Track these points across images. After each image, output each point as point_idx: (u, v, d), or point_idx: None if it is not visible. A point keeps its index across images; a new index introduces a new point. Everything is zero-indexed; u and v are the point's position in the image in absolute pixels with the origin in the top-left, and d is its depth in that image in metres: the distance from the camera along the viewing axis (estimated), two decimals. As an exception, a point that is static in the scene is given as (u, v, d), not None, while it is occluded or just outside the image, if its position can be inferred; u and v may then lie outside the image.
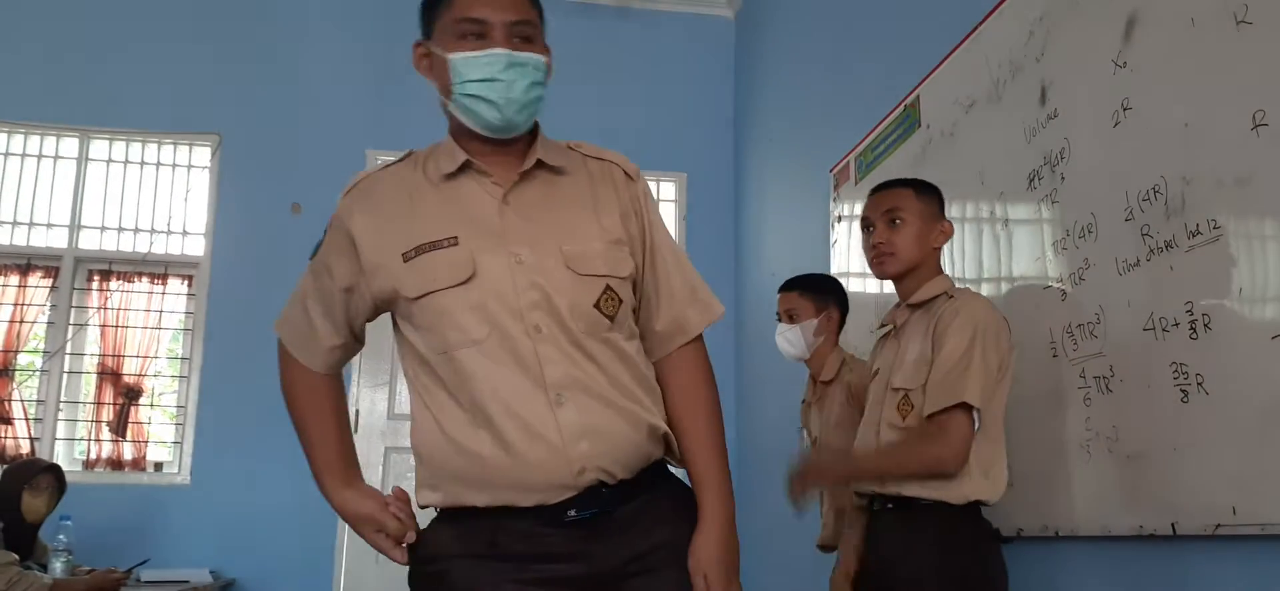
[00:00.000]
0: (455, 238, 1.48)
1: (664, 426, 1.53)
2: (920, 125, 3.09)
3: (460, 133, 1.56)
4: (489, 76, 1.50)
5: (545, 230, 1.50)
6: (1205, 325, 1.85)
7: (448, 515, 1.50)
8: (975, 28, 2.76)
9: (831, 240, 3.82)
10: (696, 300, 1.64)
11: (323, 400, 1.65)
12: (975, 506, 2.03)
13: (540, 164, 1.56)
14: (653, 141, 5.29)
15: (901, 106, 3.22)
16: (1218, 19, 1.83)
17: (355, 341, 1.64)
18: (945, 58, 2.94)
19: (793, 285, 2.91)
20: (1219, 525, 1.80)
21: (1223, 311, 1.82)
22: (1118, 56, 2.12)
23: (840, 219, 3.77)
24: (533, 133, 1.59)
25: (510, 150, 1.55)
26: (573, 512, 1.44)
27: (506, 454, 1.42)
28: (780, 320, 2.90)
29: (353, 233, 1.53)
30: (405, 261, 1.49)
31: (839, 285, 2.94)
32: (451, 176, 1.54)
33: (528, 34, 1.55)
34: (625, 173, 1.66)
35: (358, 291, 1.55)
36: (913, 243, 2.17)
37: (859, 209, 3.56)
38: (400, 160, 1.64)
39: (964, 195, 2.79)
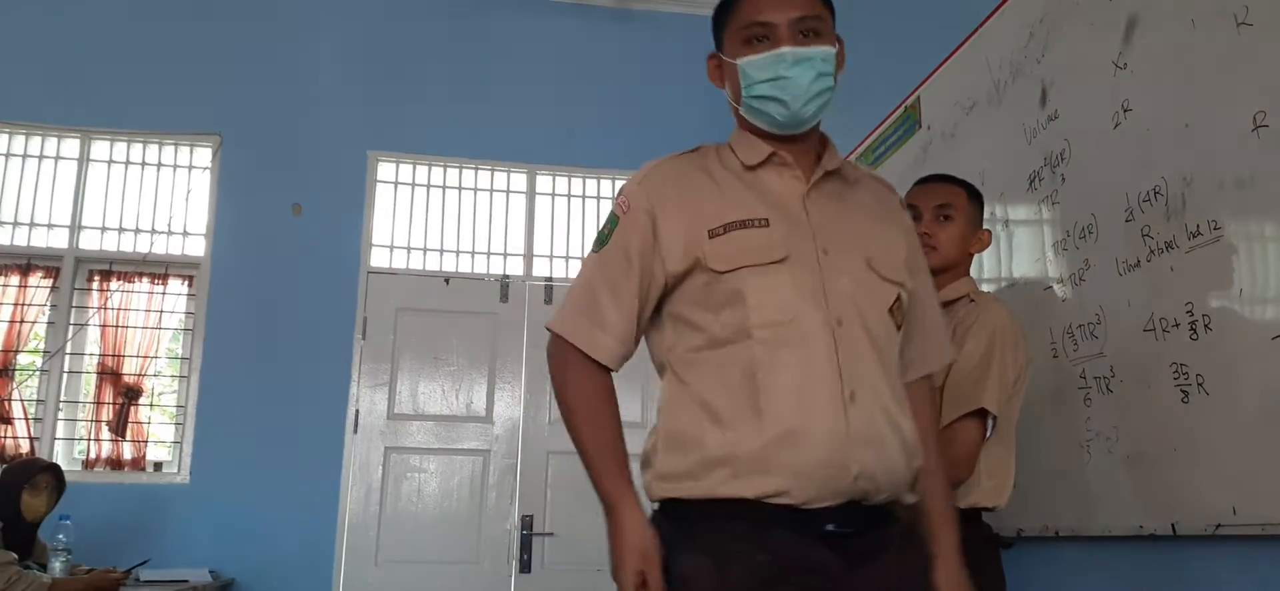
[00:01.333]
0: (767, 219, 1.49)
1: (919, 460, 1.51)
2: (921, 126, 3.09)
3: (753, 133, 1.59)
4: (775, 75, 1.51)
5: (848, 229, 1.53)
6: (1206, 326, 1.85)
7: (699, 515, 1.44)
8: (975, 29, 2.77)
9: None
10: (944, 339, 1.70)
11: (610, 399, 1.56)
12: (977, 512, 2.03)
13: (833, 170, 1.58)
14: (653, 141, 5.25)
15: (902, 107, 3.22)
16: (1218, 20, 1.83)
17: (638, 334, 1.58)
18: (946, 59, 2.94)
19: None
20: (1219, 525, 1.81)
21: (1223, 312, 1.83)
22: (1118, 58, 2.13)
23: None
24: (823, 140, 1.60)
25: (805, 147, 1.57)
26: (831, 526, 1.39)
27: (792, 440, 1.39)
28: None
29: (655, 214, 1.53)
30: (711, 238, 1.48)
31: None
32: (753, 168, 1.56)
33: (814, 28, 1.54)
34: (898, 199, 1.71)
35: (654, 276, 1.53)
36: (957, 242, 2.17)
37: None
38: (689, 152, 1.65)
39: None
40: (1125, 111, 2.10)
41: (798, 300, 1.44)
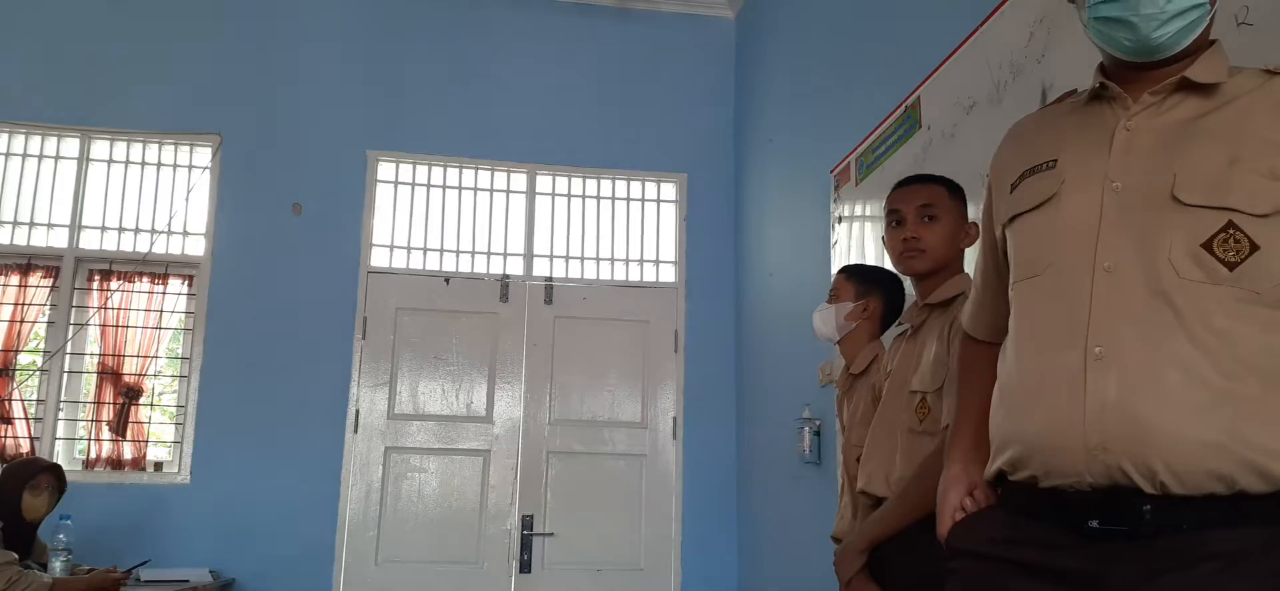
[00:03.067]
0: (1055, 160, 1.35)
1: None
2: (921, 126, 3.09)
3: (1106, 59, 1.38)
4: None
5: (1164, 156, 1.25)
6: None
7: (1001, 489, 1.36)
8: (975, 29, 2.77)
9: (832, 241, 3.82)
10: None
11: (969, 374, 1.58)
12: None
13: (1186, 84, 1.29)
14: (653, 141, 5.31)
15: (902, 107, 3.22)
16: (1217, 20, 1.83)
17: (1005, 303, 1.44)
18: (945, 59, 2.94)
19: (845, 268, 2.87)
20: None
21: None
22: (1119, 58, 2.12)
23: (841, 220, 3.77)
24: (1197, 55, 1.30)
25: (1162, 72, 1.30)
26: (1095, 523, 1.18)
27: (1024, 409, 1.27)
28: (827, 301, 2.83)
29: (992, 179, 1.52)
30: (1011, 190, 1.42)
31: (893, 279, 2.76)
32: (1090, 102, 1.38)
33: None
34: None
35: (996, 240, 1.49)
36: (946, 241, 2.16)
37: (859, 209, 3.58)
38: (1062, 96, 1.51)
39: (971, 196, 2.79)
40: (1126, 112, 2.09)
41: (1059, 245, 1.29)
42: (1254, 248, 1.16)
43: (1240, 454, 1.12)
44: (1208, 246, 1.17)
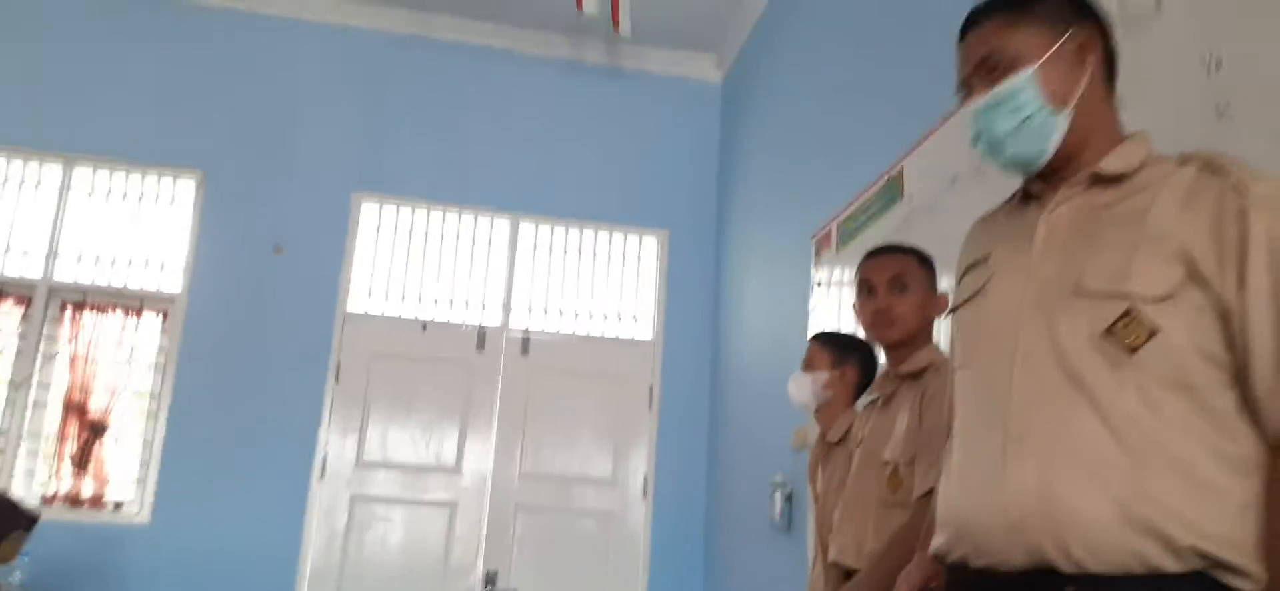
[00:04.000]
0: (989, 255, 1.42)
1: (1204, 544, 1.14)
2: (903, 197, 3.11)
3: None
4: (975, 133, 1.38)
5: (1075, 247, 1.30)
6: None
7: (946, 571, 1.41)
8: (960, 106, 2.79)
9: (810, 306, 3.83)
10: None
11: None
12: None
13: (1097, 177, 1.33)
14: (637, 197, 5.33)
15: (884, 178, 3.24)
16: (1199, 111, 1.86)
17: None
18: (930, 133, 2.97)
19: (819, 336, 2.86)
20: None
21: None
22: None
23: (820, 285, 3.78)
24: (1106, 147, 1.35)
25: (1078, 166, 1.36)
26: None
27: (955, 494, 1.33)
28: (802, 368, 2.82)
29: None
30: (958, 283, 1.51)
31: (867, 349, 2.78)
32: (1023, 201, 1.45)
33: (990, 66, 1.36)
34: (1232, 180, 1.24)
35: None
36: (916, 311, 2.17)
37: (838, 275, 3.59)
38: (1013, 194, 1.55)
39: (946, 268, 2.80)
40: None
41: (985, 337, 1.36)
42: (1152, 332, 1.19)
43: (1148, 530, 1.14)
44: (1110, 332, 1.21)
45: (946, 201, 2.85)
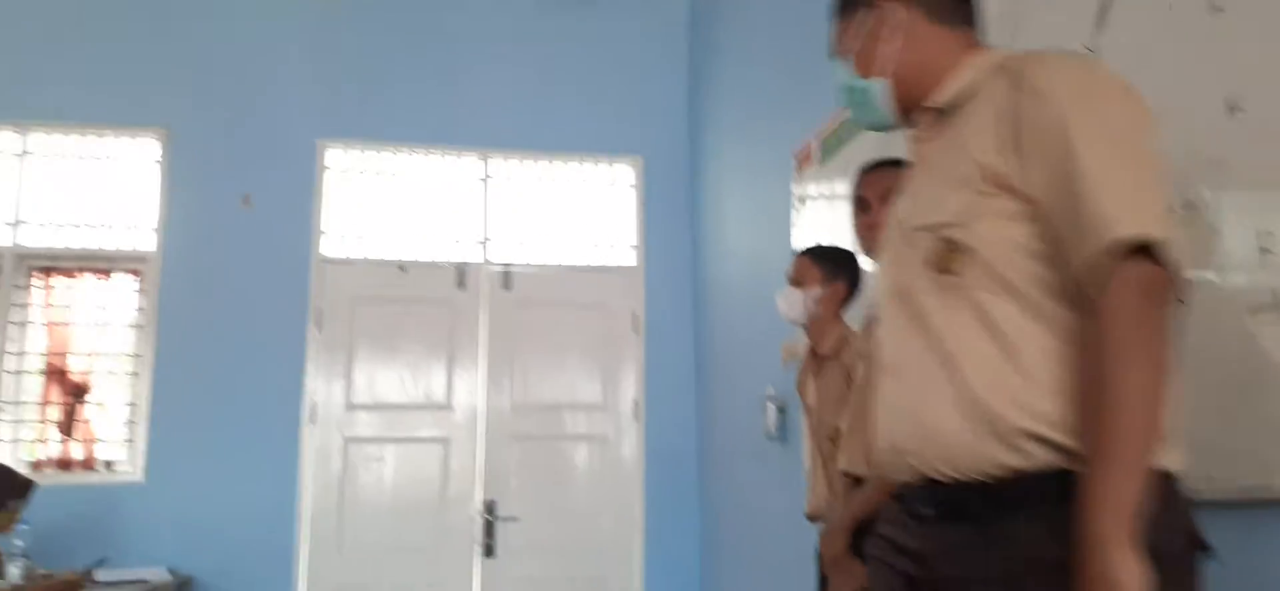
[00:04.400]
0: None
1: (1035, 425, 1.21)
2: (886, 108, 3.13)
3: None
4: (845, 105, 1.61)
5: (919, 184, 1.45)
6: (1180, 300, 1.92)
7: None
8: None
9: (792, 222, 3.86)
10: (1093, 217, 1.18)
11: None
12: None
13: (935, 112, 1.44)
14: (608, 124, 5.31)
15: (866, 90, 3.26)
16: (1190, 6, 1.89)
17: None
18: (911, 42, 2.98)
19: (807, 251, 2.88)
20: (1196, 492, 1.88)
21: (1199, 286, 1.89)
22: (1090, 43, 2.18)
23: (802, 200, 3.81)
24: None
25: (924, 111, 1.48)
26: (920, 509, 1.35)
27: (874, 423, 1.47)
28: (788, 282, 2.84)
29: None
30: None
31: (854, 262, 2.80)
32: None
33: (839, 48, 1.59)
34: (1019, 78, 1.30)
35: None
36: None
37: (821, 190, 3.62)
38: None
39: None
40: (1097, 94, 2.15)
41: (879, 289, 1.52)
42: (968, 251, 1.29)
43: (990, 430, 1.23)
44: (933, 261, 1.32)
45: (932, 110, 2.88)
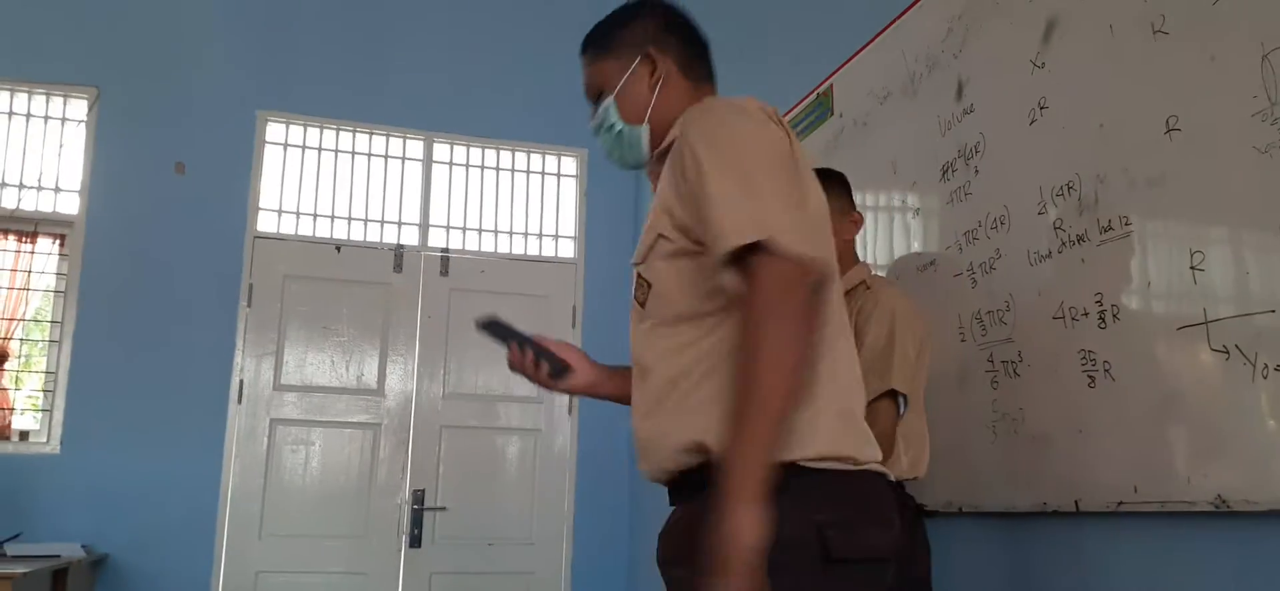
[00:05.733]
0: None
1: (695, 435, 1.34)
2: (833, 113, 3.16)
3: None
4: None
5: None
6: (1114, 315, 1.96)
7: None
8: (893, 21, 2.85)
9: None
10: (719, 214, 1.30)
11: None
12: (900, 484, 2.11)
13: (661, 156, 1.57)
14: (553, 115, 5.26)
15: (814, 94, 3.29)
16: (1135, 27, 1.94)
17: None
18: (861, 49, 3.02)
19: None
20: (1121, 502, 1.92)
21: (1131, 303, 1.94)
22: (1036, 57, 2.22)
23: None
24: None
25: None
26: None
27: None
28: None
29: None
30: None
31: None
32: None
33: (592, 92, 1.66)
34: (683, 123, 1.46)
35: None
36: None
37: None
38: None
39: (876, 184, 2.88)
40: (1042, 109, 2.20)
41: None
42: (650, 286, 1.45)
43: (672, 443, 1.38)
44: (635, 297, 1.48)
45: (878, 118, 2.92)
